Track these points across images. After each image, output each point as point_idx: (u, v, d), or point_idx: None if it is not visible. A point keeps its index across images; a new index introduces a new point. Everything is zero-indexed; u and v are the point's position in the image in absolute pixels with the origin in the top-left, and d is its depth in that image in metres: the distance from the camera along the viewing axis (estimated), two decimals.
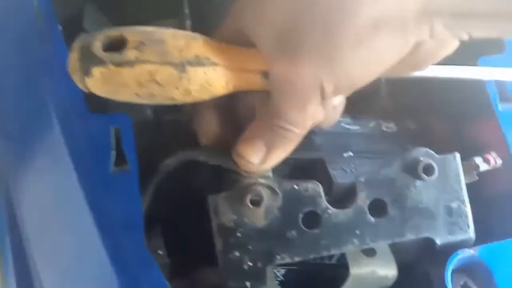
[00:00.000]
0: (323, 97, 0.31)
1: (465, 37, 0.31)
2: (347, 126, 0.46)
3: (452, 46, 0.32)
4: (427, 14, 0.29)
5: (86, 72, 0.30)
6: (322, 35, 0.29)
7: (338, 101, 0.36)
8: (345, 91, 0.32)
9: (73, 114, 0.38)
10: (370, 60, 0.30)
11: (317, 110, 0.35)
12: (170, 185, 0.39)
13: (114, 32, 0.31)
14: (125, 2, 0.54)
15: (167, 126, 0.45)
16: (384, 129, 0.47)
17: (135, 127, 0.38)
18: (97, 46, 0.30)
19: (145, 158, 0.38)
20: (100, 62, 0.30)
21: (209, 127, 0.37)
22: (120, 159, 0.37)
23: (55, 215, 0.38)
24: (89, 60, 0.30)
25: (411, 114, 0.49)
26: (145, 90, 0.31)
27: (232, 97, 0.35)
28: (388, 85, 0.54)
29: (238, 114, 0.37)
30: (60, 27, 0.41)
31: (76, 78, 0.31)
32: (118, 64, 0.30)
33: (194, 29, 0.51)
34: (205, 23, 0.49)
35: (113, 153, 0.37)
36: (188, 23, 0.50)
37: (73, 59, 0.31)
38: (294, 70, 0.30)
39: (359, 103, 0.53)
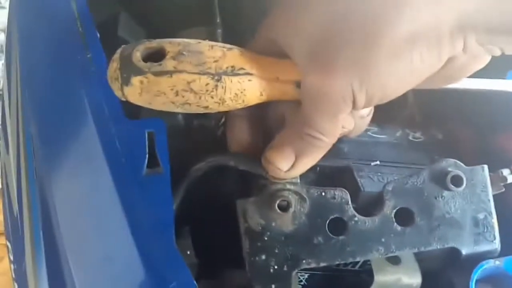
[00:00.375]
0: (355, 107, 0.32)
1: (498, 52, 0.31)
2: (374, 135, 0.47)
3: (484, 60, 0.33)
4: (462, 29, 0.29)
5: (126, 82, 0.32)
6: (358, 47, 0.30)
7: (367, 111, 0.36)
8: (376, 102, 0.32)
9: (109, 119, 0.40)
10: (404, 73, 0.31)
11: (347, 119, 0.36)
12: (200, 188, 0.40)
13: (154, 43, 0.33)
14: (157, 11, 0.55)
15: (196, 131, 0.46)
16: (411, 138, 0.47)
17: (168, 131, 0.40)
18: (137, 57, 0.32)
19: (176, 162, 0.39)
20: (139, 71, 0.31)
21: (239, 135, 0.38)
22: (153, 162, 0.39)
23: (89, 215, 0.40)
24: (129, 69, 0.32)
25: (438, 124, 0.50)
26: (181, 99, 0.32)
27: (262, 106, 0.36)
28: (416, 95, 0.54)
29: (268, 122, 0.38)
30: (98, 34, 0.43)
31: (115, 87, 0.33)
32: (157, 74, 0.31)
33: (225, 37, 0.52)
34: (235, 32, 0.50)
35: (146, 156, 0.39)
36: (219, 31, 0.52)
37: (113, 68, 0.32)
38: (328, 81, 0.31)
39: (386, 112, 0.54)
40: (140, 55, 0.32)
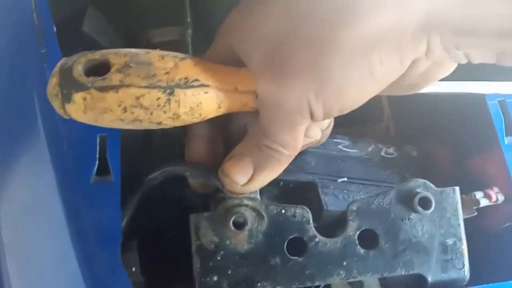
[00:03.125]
0: (314, 118, 0.30)
1: (463, 59, 0.29)
2: (345, 149, 0.44)
3: (448, 68, 0.31)
4: (425, 30, 0.27)
5: (67, 99, 0.29)
6: (310, 53, 0.28)
7: (326, 123, 0.34)
8: (336, 113, 0.30)
9: (59, 118, 0.37)
10: (362, 80, 0.28)
11: (313, 129, 0.33)
12: (154, 199, 0.37)
13: (97, 54, 0.30)
14: (128, 9, 0.53)
15: (158, 137, 0.44)
16: (384, 154, 0.45)
17: (122, 136, 0.37)
18: (78, 70, 0.29)
19: (129, 170, 0.37)
20: (81, 87, 0.28)
21: (198, 157, 0.35)
22: (104, 169, 0.36)
23: (31, 222, 0.37)
24: (70, 85, 0.29)
25: (413, 141, 0.48)
26: (130, 116, 0.29)
27: (223, 118, 0.33)
28: (392, 110, 0.52)
29: (230, 134, 0.36)
30: (54, 28, 0.40)
31: (55, 104, 0.30)
32: (101, 89, 0.28)
33: (195, 38, 0.50)
34: (206, 32, 0.48)
35: (96, 162, 0.36)
36: (189, 32, 0.49)
37: (52, 84, 0.29)
38: (282, 90, 0.29)
39: (361, 125, 0.52)
40: (82, 69, 0.29)
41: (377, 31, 0.27)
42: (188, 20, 0.49)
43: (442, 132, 0.47)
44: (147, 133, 0.43)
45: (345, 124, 0.50)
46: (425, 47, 0.28)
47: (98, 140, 0.36)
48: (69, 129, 0.37)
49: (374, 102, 0.53)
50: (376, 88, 0.29)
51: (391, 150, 0.46)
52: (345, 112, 0.31)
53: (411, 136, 0.49)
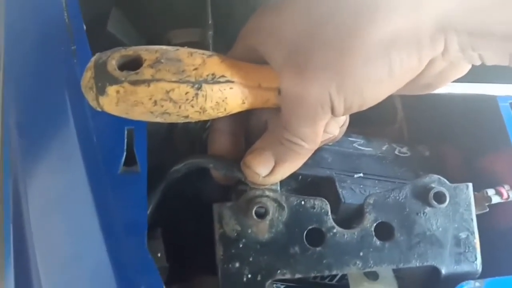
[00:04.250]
0: (334, 113, 0.31)
1: (478, 61, 0.30)
2: (360, 147, 0.46)
3: (463, 69, 0.32)
4: (443, 30, 0.29)
5: (101, 91, 0.30)
6: (332, 52, 0.29)
7: (343, 119, 0.35)
8: (356, 109, 0.32)
9: (89, 112, 0.39)
10: (382, 78, 0.30)
11: (331, 125, 0.35)
12: (178, 189, 0.39)
13: (130, 50, 0.31)
14: (150, 10, 0.55)
15: (180, 132, 0.45)
16: (397, 153, 0.46)
17: (148, 129, 0.39)
18: (112, 65, 0.30)
19: (155, 161, 0.38)
20: (115, 81, 0.30)
21: (221, 150, 0.37)
22: (131, 160, 0.38)
23: (60, 212, 0.39)
24: (104, 79, 0.30)
25: (426, 141, 0.49)
26: (159, 109, 0.31)
27: (245, 114, 0.35)
28: (405, 110, 0.53)
29: (251, 130, 0.38)
30: (84, 26, 0.42)
31: (90, 97, 0.31)
32: (134, 83, 0.30)
33: (216, 39, 0.52)
34: (227, 34, 0.49)
35: (124, 153, 0.37)
36: (210, 33, 0.51)
37: (87, 77, 0.31)
38: (305, 86, 0.30)
39: (375, 126, 0.54)
40: (115, 64, 0.31)
41: (396, 32, 0.29)
42: (210, 21, 0.50)
43: (454, 133, 0.49)
44: (169, 128, 0.45)
45: (360, 125, 0.52)
46: (442, 47, 0.29)
47: (125, 132, 0.38)
48: (98, 122, 0.38)
49: (388, 104, 0.55)
50: (394, 85, 0.31)
51: (404, 149, 0.47)
52: (364, 108, 0.32)
53: (424, 137, 0.50)
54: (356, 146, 0.46)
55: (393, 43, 0.29)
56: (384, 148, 0.46)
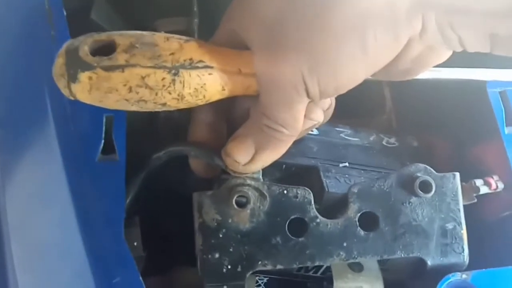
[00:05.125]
0: (310, 96, 0.30)
1: (458, 46, 0.29)
2: (347, 137, 0.45)
3: (443, 55, 0.31)
4: (420, 7, 0.28)
5: (73, 78, 0.29)
6: (304, 30, 0.28)
7: (327, 104, 0.35)
8: (332, 91, 0.31)
9: (66, 98, 0.38)
10: (357, 57, 0.29)
11: (315, 111, 0.34)
12: (160, 178, 0.38)
13: (103, 35, 0.30)
14: None
15: (161, 122, 0.44)
16: (385, 143, 0.45)
17: (128, 119, 0.38)
18: (85, 50, 0.29)
19: (136, 151, 0.37)
20: (87, 66, 0.29)
21: (202, 131, 0.36)
22: (109, 148, 0.37)
23: (36, 198, 0.37)
24: (76, 65, 0.29)
25: (414, 131, 0.48)
26: (135, 96, 0.30)
27: (227, 102, 0.34)
28: (394, 101, 0.53)
29: (234, 116, 0.37)
30: (64, 12, 0.41)
31: (61, 84, 0.30)
32: (107, 69, 0.29)
33: (202, 27, 0.51)
34: (213, 21, 0.48)
35: (102, 141, 0.36)
36: (196, 21, 0.50)
37: (58, 64, 0.30)
38: (276, 66, 0.29)
39: (363, 117, 0.53)
40: (88, 49, 0.29)
41: (371, 8, 0.28)
42: (195, 9, 0.49)
43: (444, 124, 0.48)
44: (152, 117, 0.44)
45: (348, 116, 0.51)
46: (420, 25, 0.28)
47: (104, 120, 0.37)
48: (76, 109, 0.37)
49: (377, 95, 0.54)
50: (371, 66, 0.30)
51: (392, 140, 0.46)
52: (341, 91, 0.31)
53: (413, 128, 0.49)
54: (343, 136, 0.45)
55: (367, 19, 0.28)
56: (371, 138, 0.46)
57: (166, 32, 0.55)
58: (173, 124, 0.44)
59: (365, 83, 0.52)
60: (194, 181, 0.40)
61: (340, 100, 0.42)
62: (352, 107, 0.52)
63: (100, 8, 0.52)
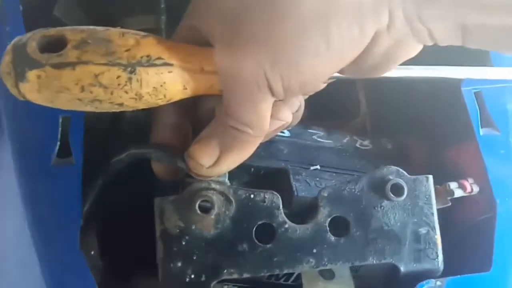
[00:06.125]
0: (273, 93, 0.28)
1: (428, 40, 0.28)
2: (319, 139, 0.43)
3: (412, 49, 0.30)
4: None
5: (21, 77, 0.27)
6: (264, 22, 0.27)
7: (296, 105, 0.33)
8: (297, 88, 0.29)
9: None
10: (319, 51, 0.27)
11: (283, 111, 0.32)
12: (122, 182, 0.36)
13: (52, 31, 0.28)
14: None
15: (126, 124, 0.42)
16: (358, 146, 0.44)
17: (88, 121, 0.35)
18: (33, 47, 0.27)
19: (95, 155, 0.35)
20: (36, 64, 0.27)
21: (164, 133, 0.34)
22: (65, 151, 0.35)
23: None
24: (23, 62, 0.27)
25: (389, 134, 0.47)
26: (88, 95, 0.28)
27: (192, 100, 0.32)
28: (369, 104, 0.51)
29: (199, 117, 0.35)
30: (20, 7, 0.39)
31: (9, 83, 0.28)
32: (57, 66, 0.27)
33: (170, 25, 0.49)
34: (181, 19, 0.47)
35: (57, 143, 0.34)
36: (163, 18, 0.48)
37: (5, 62, 0.27)
38: (237, 61, 0.28)
39: (338, 119, 0.51)
40: (36, 45, 0.27)
41: (331, 3, 0.26)
42: (162, 6, 0.48)
43: (419, 126, 0.47)
44: (115, 118, 0.42)
45: (323, 118, 0.50)
46: (387, 17, 0.27)
47: (60, 120, 0.35)
48: (30, 109, 0.35)
49: (352, 98, 0.53)
50: (336, 61, 0.28)
51: (366, 142, 0.45)
52: (308, 88, 0.29)
53: (388, 130, 0.48)
54: (316, 138, 0.43)
55: (331, 11, 0.26)
56: (345, 141, 0.44)
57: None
58: (139, 126, 0.42)
59: (340, 85, 0.51)
60: (162, 183, 0.38)
61: (315, 102, 0.41)
62: (327, 109, 0.51)
63: (64, 5, 0.49)
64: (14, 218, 0.34)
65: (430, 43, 0.28)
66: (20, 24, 0.38)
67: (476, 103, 0.41)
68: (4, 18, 0.38)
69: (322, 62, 0.28)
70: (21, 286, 0.34)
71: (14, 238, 0.34)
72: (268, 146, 0.39)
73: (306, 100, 0.36)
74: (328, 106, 0.50)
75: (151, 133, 0.35)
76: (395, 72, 0.33)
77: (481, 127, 0.41)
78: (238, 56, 0.28)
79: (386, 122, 0.50)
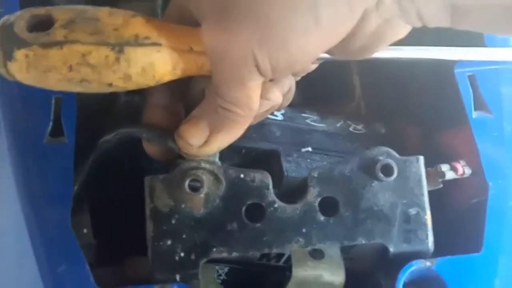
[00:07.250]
0: (261, 72, 0.28)
1: (416, 21, 0.28)
2: (312, 123, 0.43)
3: (401, 30, 0.29)
4: None
5: (9, 56, 0.27)
6: (252, 0, 0.27)
7: (286, 85, 0.33)
8: (285, 67, 0.29)
9: None
10: (308, 28, 0.27)
11: (272, 91, 0.32)
12: (113, 161, 0.36)
13: (41, 10, 0.28)
14: None
15: (121, 106, 0.43)
16: (352, 130, 0.44)
17: (80, 101, 0.36)
18: (21, 26, 0.27)
19: (88, 135, 0.36)
20: (23, 43, 0.27)
21: (156, 115, 0.34)
22: (57, 131, 0.35)
23: None
24: (11, 42, 0.27)
25: (384, 118, 0.47)
26: (77, 75, 0.28)
27: (183, 82, 0.32)
28: (363, 88, 0.51)
29: (191, 97, 0.35)
30: None
31: None
32: (45, 45, 0.27)
33: (166, 9, 0.49)
34: None
35: (50, 123, 0.35)
36: (159, 2, 0.48)
37: None
38: (225, 39, 0.28)
39: (332, 103, 0.51)
40: (24, 25, 0.27)
41: None
42: None
43: (412, 110, 0.47)
44: (110, 99, 0.42)
45: (317, 103, 0.50)
46: None
47: (53, 100, 0.35)
48: (23, 89, 0.35)
49: (346, 82, 0.53)
50: (325, 40, 0.28)
51: (359, 126, 0.45)
52: (295, 68, 0.29)
53: (382, 115, 0.48)
54: (309, 122, 0.43)
55: None
56: (338, 125, 0.44)
57: None
58: (134, 109, 0.43)
59: (334, 70, 0.51)
60: (153, 163, 0.38)
61: (309, 86, 0.41)
62: (321, 94, 0.51)
63: None
64: (5, 193, 0.34)
65: (418, 25, 0.28)
66: (15, 5, 0.38)
67: (469, 86, 0.41)
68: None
69: (311, 41, 0.28)
70: (7, 262, 0.34)
71: (3, 213, 0.35)
72: (260, 128, 0.39)
73: (300, 85, 0.36)
74: (323, 91, 0.50)
75: (143, 114, 0.35)
76: (386, 52, 0.33)
77: (474, 110, 0.41)
78: (226, 33, 0.28)
79: (380, 107, 0.50)
